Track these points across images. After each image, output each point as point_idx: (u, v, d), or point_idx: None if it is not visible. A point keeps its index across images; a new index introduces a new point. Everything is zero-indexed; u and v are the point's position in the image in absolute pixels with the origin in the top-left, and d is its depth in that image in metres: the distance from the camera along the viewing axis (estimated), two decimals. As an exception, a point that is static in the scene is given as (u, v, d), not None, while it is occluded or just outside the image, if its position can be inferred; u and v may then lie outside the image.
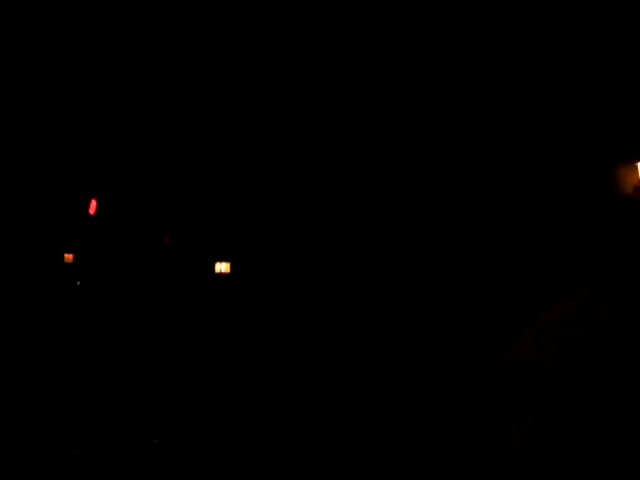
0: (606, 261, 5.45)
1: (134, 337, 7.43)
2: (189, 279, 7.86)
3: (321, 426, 6.01)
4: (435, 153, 6.64)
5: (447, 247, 6.55)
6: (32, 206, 7.53)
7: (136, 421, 6.27)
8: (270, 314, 7.25)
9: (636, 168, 5.80)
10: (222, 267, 7.83)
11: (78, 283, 7.77)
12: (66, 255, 7.91)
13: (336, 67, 6.89)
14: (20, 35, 7.01)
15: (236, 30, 7.02)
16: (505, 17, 6.24)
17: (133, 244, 7.82)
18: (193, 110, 7.48)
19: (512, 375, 5.21)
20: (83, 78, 7.32)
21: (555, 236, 6.00)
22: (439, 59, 6.56)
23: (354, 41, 6.80)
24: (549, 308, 5.44)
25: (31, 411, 6.29)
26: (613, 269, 5.36)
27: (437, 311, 6.48)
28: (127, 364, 7.11)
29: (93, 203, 7.56)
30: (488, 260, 6.34)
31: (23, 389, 6.62)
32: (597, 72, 5.91)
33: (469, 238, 6.44)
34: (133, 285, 7.85)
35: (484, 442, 5.20)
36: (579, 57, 5.98)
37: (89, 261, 7.94)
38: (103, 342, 7.42)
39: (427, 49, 6.51)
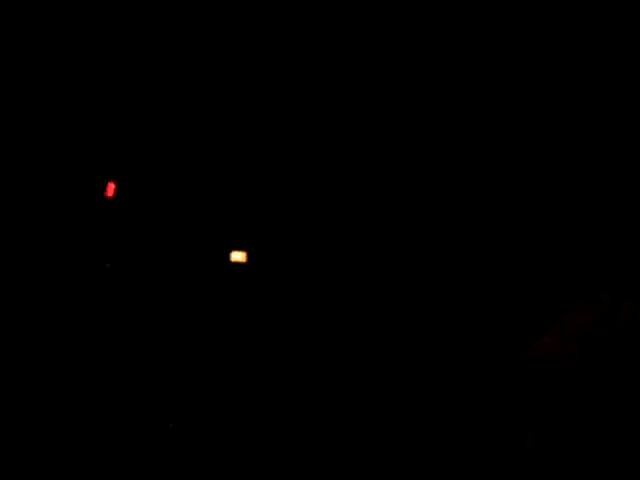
0: (631, 265, 5.34)
1: (148, 327, 7.40)
2: (204, 267, 7.79)
3: (333, 423, 5.97)
4: (452, 151, 6.52)
5: (469, 245, 6.43)
6: (48, 191, 7.49)
7: (151, 406, 6.29)
8: (287, 307, 7.19)
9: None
10: (238, 256, 7.76)
11: (108, 265, 7.75)
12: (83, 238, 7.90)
13: (335, 67, 6.83)
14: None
15: (237, 28, 6.97)
16: (502, 15, 6.13)
17: (150, 230, 7.76)
18: (208, 96, 7.39)
19: (532, 377, 5.13)
20: (94, 62, 7.26)
21: (580, 237, 5.88)
22: (436, 57, 6.47)
23: (354, 41, 6.74)
24: (574, 310, 5.34)
25: (45, 397, 6.32)
26: (637, 274, 5.25)
27: (455, 308, 6.39)
28: (140, 354, 7.10)
29: (111, 186, 7.49)
30: (512, 259, 6.23)
31: (40, 375, 6.64)
32: (598, 75, 5.78)
33: (493, 237, 6.32)
34: (149, 272, 7.80)
35: (497, 449, 5.11)
36: (578, 58, 5.85)
37: (106, 245, 7.90)
38: (118, 330, 7.40)
39: (426, 49, 6.44)
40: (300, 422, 6.11)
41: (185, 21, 7.12)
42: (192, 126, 7.55)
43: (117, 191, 7.55)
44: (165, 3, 7.08)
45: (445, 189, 6.61)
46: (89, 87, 7.44)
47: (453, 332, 6.27)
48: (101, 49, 7.25)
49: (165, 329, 7.40)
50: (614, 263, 5.50)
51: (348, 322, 6.83)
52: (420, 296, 6.62)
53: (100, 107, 7.51)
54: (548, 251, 6.08)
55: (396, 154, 6.92)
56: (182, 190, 7.74)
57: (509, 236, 6.31)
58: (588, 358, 4.86)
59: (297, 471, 5.62)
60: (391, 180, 6.85)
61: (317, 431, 5.94)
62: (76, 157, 7.65)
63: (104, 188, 7.60)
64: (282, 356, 6.88)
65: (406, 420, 5.82)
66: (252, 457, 5.77)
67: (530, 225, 6.23)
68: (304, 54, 7.02)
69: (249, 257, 7.68)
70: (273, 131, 7.39)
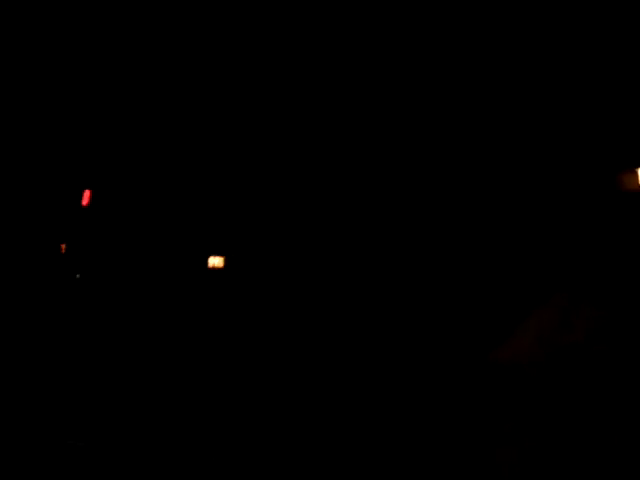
0: (591, 266, 5.39)
1: (126, 332, 7.39)
2: (182, 273, 7.78)
3: (303, 425, 5.99)
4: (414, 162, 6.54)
5: (431, 251, 6.47)
6: (25, 198, 7.47)
7: (130, 415, 6.26)
8: (265, 311, 7.19)
9: (636, 174, 5.69)
10: (215, 261, 7.76)
11: (78, 276, 7.71)
12: (60, 245, 7.85)
13: (335, 67, 6.81)
14: (17, 31, 6.95)
15: (236, 28, 6.94)
16: (513, 19, 6.14)
17: (126, 236, 7.75)
18: (185, 103, 7.39)
19: (498, 379, 5.17)
20: (76, 70, 7.24)
21: (548, 236, 5.93)
22: (445, 62, 6.47)
23: (354, 41, 6.72)
24: (539, 312, 5.39)
25: (30, 407, 6.30)
26: (598, 274, 5.30)
27: (420, 316, 6.43)
28: (119, 359, 7.08)
29: (86, 194, 7.49)
30: (473, 262, 6.28)
31: (22, 385, 6.62)
32: (601, 82, 5.81)
33: (459, 240, 6.36)
34: (125, 278, 7.79)
35: (467, 451, 5.16)
36: (585, 66, 5.88)
37: (82, 253, 7.88)
38: (96, 336, 7.38)
39: (428, 49, 6.42)
40: (279, 424, 6.12)
41: (154, 26, 7.11)
42: (166, 134, 7.55)
43: (92, 199, 7.57)
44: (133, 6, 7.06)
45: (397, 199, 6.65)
46: (64, 98, 7.43)
47: (419, 338, 6.31)
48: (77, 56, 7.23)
49: (143, 334, 7.40)
50: (568, 268, 5.56)
51: (324, 326, 6.85)
52: (391, 302, 6.66)
53: (75, 117, 7.50)
54: (505, 257, 6.12)
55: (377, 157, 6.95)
56: (158, 197, 7.75)
57: (472, 245, 6.34)
58: (549, 359, 4.92)
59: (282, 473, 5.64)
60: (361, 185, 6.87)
61: (292, 432, 5.95)
62: (52, 165, 7.63)
63: (80, 196, 7.61)
64: (260, 361, 6.88)
65: (387, 418, 5.86)
66: (232, 460, 5.78)
67: (483, 233, 6.27)
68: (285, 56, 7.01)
69: (226, 262, 7.69)
70: (243, 141, 7.38)
